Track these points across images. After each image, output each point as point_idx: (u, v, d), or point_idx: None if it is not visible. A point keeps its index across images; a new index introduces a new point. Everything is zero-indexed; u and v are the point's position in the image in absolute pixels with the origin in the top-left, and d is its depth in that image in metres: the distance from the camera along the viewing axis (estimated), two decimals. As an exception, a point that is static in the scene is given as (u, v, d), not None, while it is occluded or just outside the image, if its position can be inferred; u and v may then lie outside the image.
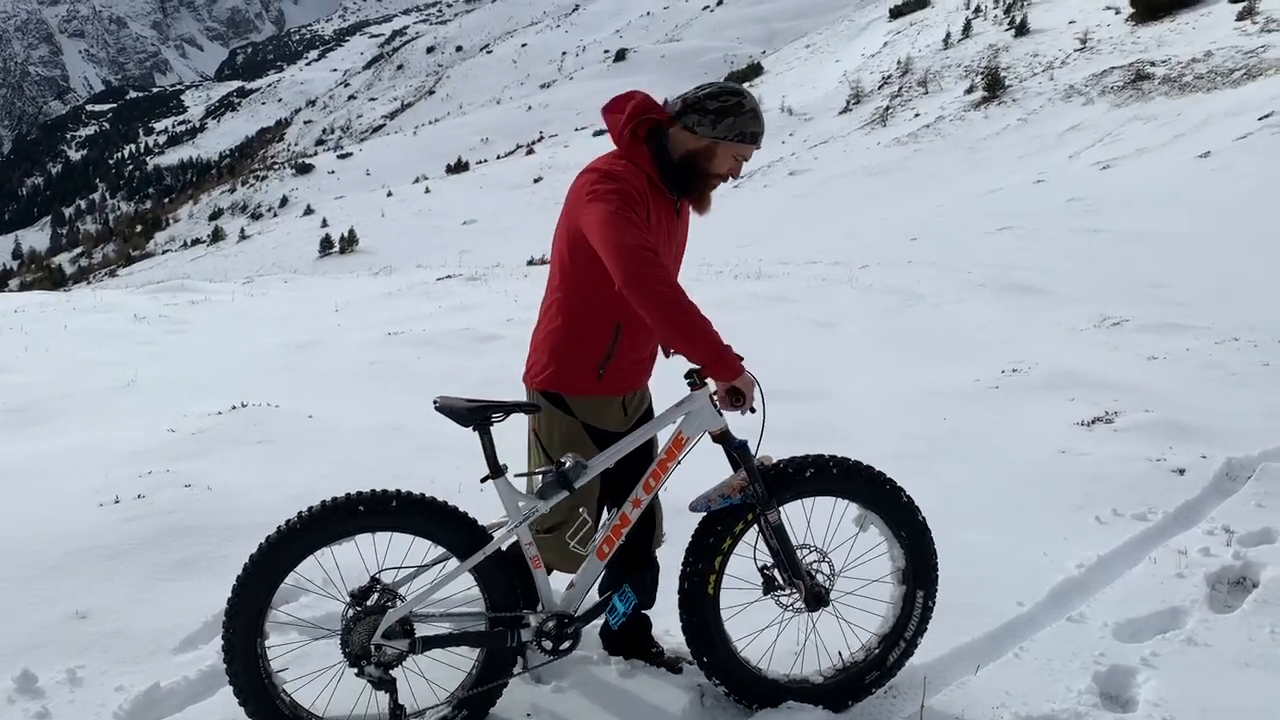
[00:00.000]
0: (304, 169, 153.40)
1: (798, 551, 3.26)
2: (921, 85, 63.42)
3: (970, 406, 7.22)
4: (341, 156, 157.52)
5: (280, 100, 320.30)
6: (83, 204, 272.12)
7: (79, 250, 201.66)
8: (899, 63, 71.03)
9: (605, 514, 3.35)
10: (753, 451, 3.21)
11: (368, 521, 2.93)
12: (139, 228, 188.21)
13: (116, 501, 4.55)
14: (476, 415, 2.95)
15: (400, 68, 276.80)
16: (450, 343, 9.25)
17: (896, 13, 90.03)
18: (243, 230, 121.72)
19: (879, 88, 69.04)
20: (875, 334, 10.17)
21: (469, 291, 13.60)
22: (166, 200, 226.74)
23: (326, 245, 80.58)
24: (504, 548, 3.07)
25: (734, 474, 3.22)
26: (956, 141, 46.63)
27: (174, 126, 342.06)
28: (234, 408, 6.36)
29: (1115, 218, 18.90)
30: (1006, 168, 36.29)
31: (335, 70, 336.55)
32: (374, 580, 3.02)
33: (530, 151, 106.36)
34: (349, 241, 78.46)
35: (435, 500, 3.01)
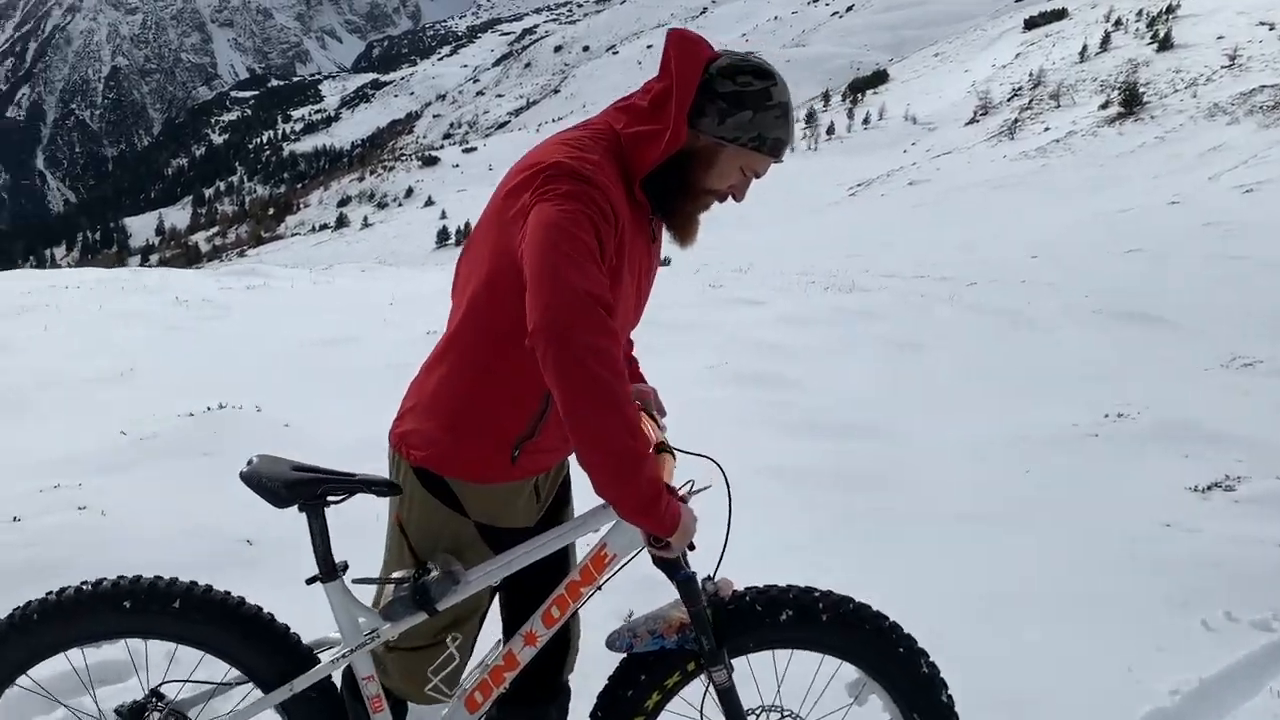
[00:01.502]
0: (430, 161, 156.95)
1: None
2: (1053, 99, 60.52)
3: (1061, 457, 6.09)
4: (466, 151, 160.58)
5: (412, 93, 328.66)
6: (222, 185, 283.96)
7: (215, 229, 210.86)
8: (1031, 74, 68.09)
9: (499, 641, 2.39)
10: (709, 577, 2.22)
11: (135, 624, 2.09)
12: (271, 211, 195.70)
13: (-12, 523, 3.88)
14: (300, 493, 2.04)
15: (528, 66, 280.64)
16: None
17: (1031, 24, 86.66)
18: (366, 218, 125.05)
19: (1008, 99, 66.29)
20: (965, 361, 9.03)
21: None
22: (299, 186, 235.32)
23: (443, 237, 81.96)
24: (335, 679, 2.21)
25: (675, 602, 2.20)
26: (1088, 158, 44.09)
27: (310, 115, 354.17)
28: (209, 409, 5.70)
29: (1258, 244, 17.06)
30: (1140, 187, 33.96)
31: (465, 66, 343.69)
32: (153, 695, 2.19)
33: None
34: (464, 234, 79.53)
35: (239, 607, 2.13)
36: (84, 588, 2.07)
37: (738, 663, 2.24)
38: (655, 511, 1.84)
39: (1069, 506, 5.17)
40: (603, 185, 1.92)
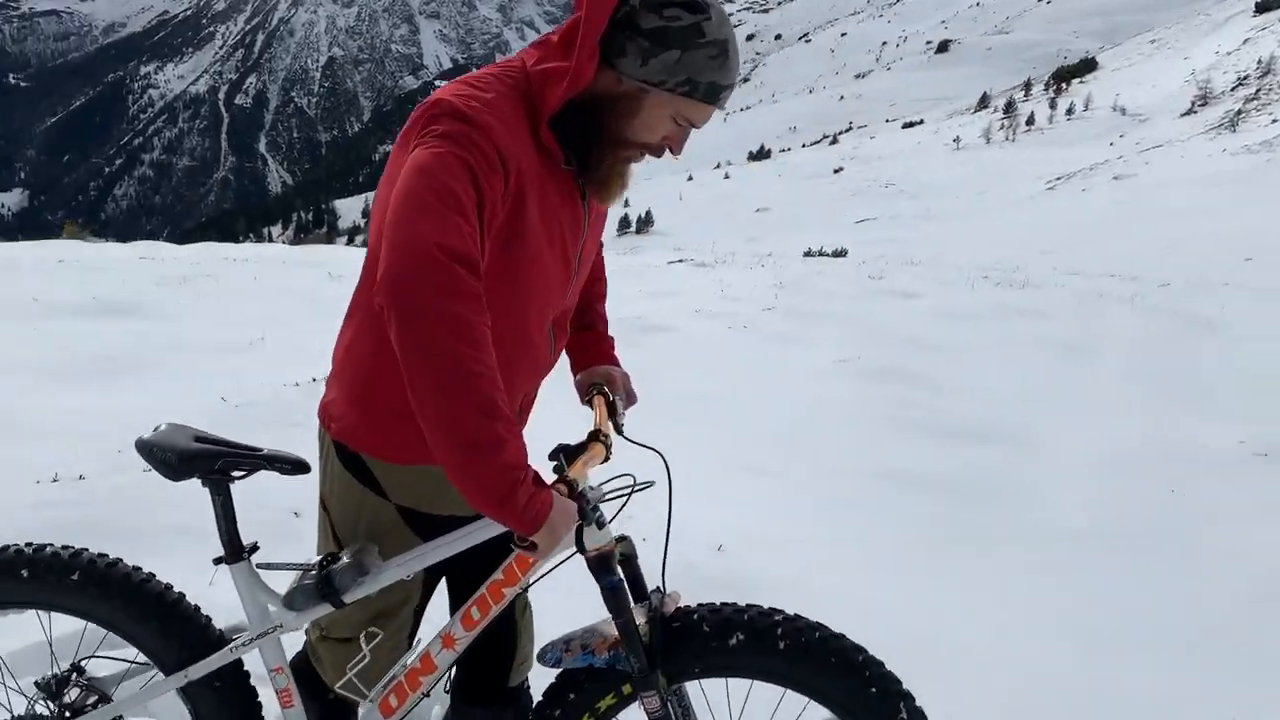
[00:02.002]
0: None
1: None
2: (1285, 87, 55.54)
3: (1216, 479, 5.39)
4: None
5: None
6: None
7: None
8: (1260, 62, 62.71)
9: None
10: (657, 588, 1.91)
11: (33, 594, 1.95)
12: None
13: (54, 480, 3.96)
14: (196, 466, 1.85)
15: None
16: (613, 331, 8.30)
17: (1264, 6, 79.69)
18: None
19: (1232, 89, 61.31)
20: (1128, 367, 8.23)
21: (686, 277, 12.66)
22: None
23: (624, 224, 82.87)
24: (244, 664, 2.03)
25: (609, 617, 1.88)
26: (1320, 152, 40.22)
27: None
28: (314, 380, 5.76)
29: None
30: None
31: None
32: (74, 669, 2.08)
33: (834, 142, 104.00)
34: (645, 222, 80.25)
35: (143, 583, 1.97)
36: None
37: (693, 689, 1.95)
38: (511, 505, 1.54)
39: (1208, 534, 4.53)
40: (486, 125, 1.64)
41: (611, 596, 1.80)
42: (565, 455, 1.82)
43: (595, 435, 1.89)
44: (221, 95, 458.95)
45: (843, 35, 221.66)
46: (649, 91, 1.72)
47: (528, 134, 1.72)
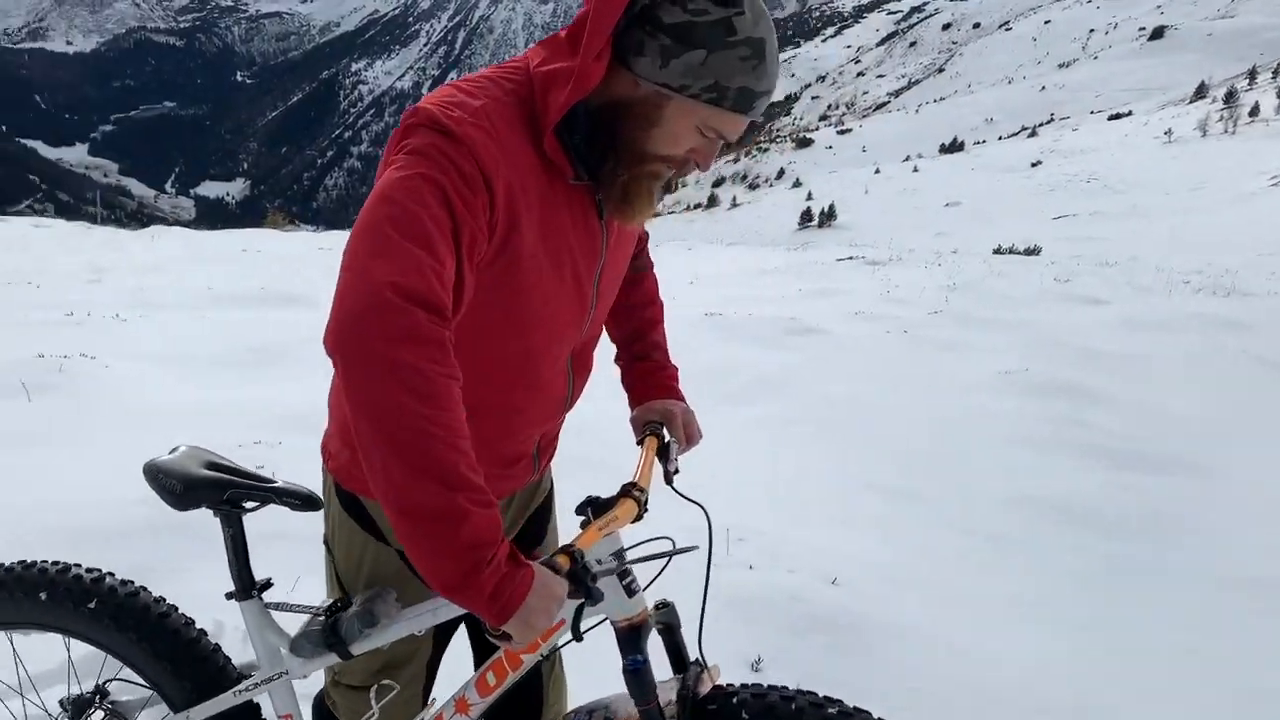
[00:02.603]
0: (803, 143, 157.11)
1: None
2: None
3: None
4: (841, 132, 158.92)
5: (793, 75, 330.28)
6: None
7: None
8: None
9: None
10: (697, 660, 1.65)
11: (49, 618, 1.86)
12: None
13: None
14: (202, 496, 1.72)
15: (913, 45, 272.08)
16: (759, 332, 8.02)
17: None
18: (735, 198, 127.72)
19: None
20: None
21: (852, 276, 12.16)
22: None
23: (806, 218, 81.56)
24: (259, 707, 1.89)
25: (630, 691, 1.60)
26: None
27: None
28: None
29: None
30: None
31: (849, 47, 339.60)
32: (98, 691, 2.00)
33: (1033, 134, 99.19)
34: (827, 216, 78.59)
35: (162, 618, 1.86)
36: (13, 568, 1.90)
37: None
38: (473, 590, 1.29)
39: None
40: (467, 139, 1.40)
41: (633, 679, 1.56)
42: (593, 510, 1.60)
43: (628, 490, 1.64)
44: (424, 90, 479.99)
45: (1046, 23, 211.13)
46: (670, 98, 1.46)
47: (528, 145, 1.49)
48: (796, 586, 3.58)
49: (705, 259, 14.72)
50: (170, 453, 1.81)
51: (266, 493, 1.76)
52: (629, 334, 2.08)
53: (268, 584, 1.83)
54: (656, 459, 1.89)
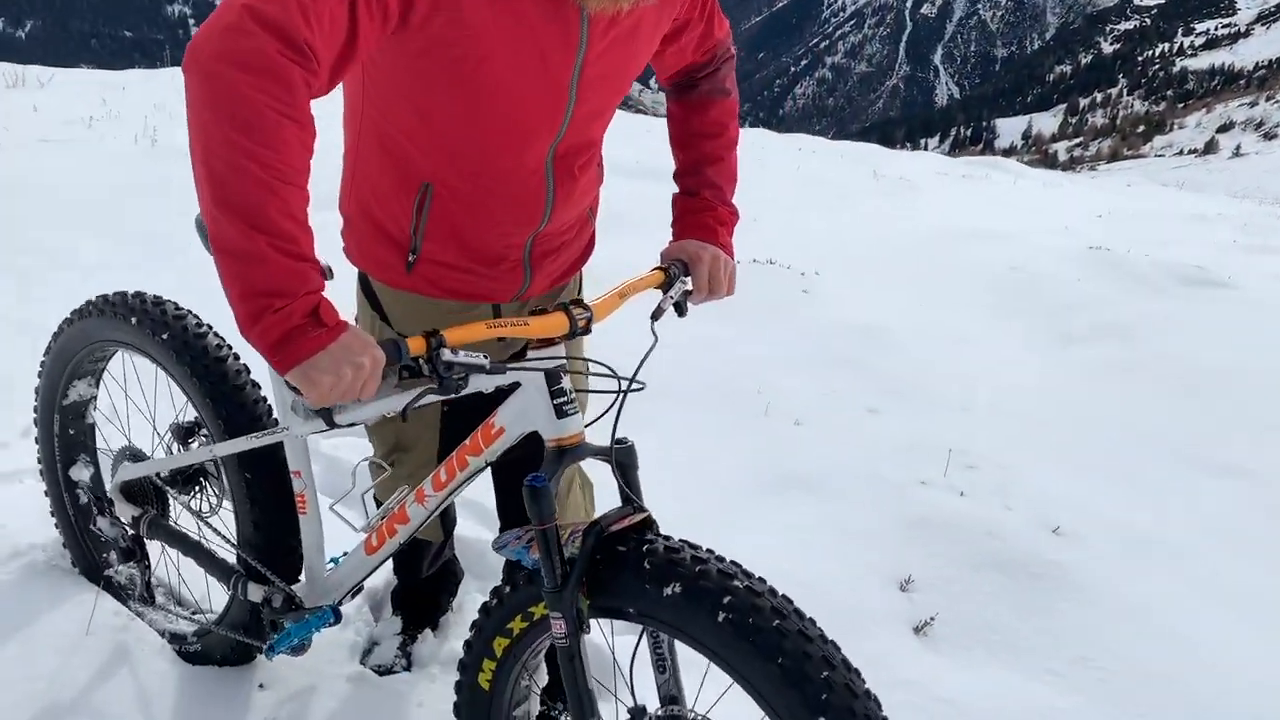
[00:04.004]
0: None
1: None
2: None
3: None
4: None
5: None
6: (1099, 97, 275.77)
7: (1078, 140, 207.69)
8: None
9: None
10: (638, 506, 1.58)
11: (130, 337, 2.11)
12: (1140, 128, 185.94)
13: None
14: None
15: None
16: (1146, 274, 7.04)
17: None
18: (1238, 148, 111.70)
19: None
20: None
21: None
22: (1181, 105, 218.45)
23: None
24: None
25: (526, 507, 1.56)
26: None
27: (1216, 29, 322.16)
28: (771, 262, 5.71)
29: None
30: None
31: None
32: (197, 424, 2.20)
33: None
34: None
35: (218, 358, 2.04)
36: (119, 296, 2.13)
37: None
38: (259, 332, 1.28)
39: None
40: None
41: (529, 495, 1.52)
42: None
43: (563, 305, 1.56)
44: (909, 4, 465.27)
45: None
46: None
47: None
48: (1000, 523, 3.22)
49: (1142, 196, 13.14)
50: None
51: None
52: (686, 165, 1.94)
53: None
54: (662, 292, 1.77)
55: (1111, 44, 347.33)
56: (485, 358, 1.44)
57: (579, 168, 1.74)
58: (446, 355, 1.38)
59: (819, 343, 4.95)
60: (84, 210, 5.36)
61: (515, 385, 1.60)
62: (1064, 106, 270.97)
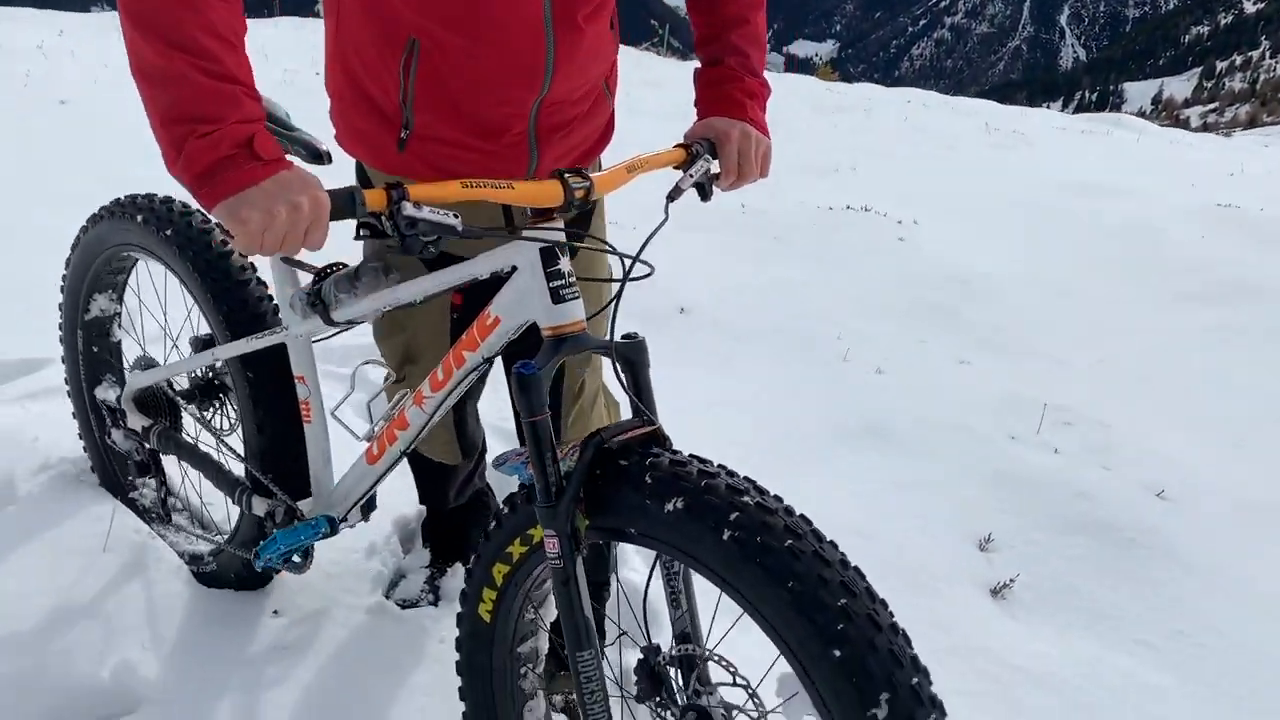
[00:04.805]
0: None
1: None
2: None
3: None
4: None
5: None
6: (1238, 60, 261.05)
7: (1212, 106, 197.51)
8: None
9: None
10: (649, 419, 1.39)
11: (137, 238, 2.01)
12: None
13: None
14: None
15: None
16: (1274, 232, 6.51)
17: None
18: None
19: None
20: None
21: None
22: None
23: None
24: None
25: (512, 397, 1.42)
26: None
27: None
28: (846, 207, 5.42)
29: None
30: None
31: None
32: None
33: None
34: None
35: (221, 254, 1.91)
36: (129, 199, 2.04)
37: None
38: (183, 161, 1.16)
39: None
40: None
41: (518, 385, 1.33)
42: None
43: (559, 172, 1.36)
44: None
45: None
46: None
47: None
48: (1096, 484, 2.93)
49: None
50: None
51: (283, 137, 1.69)
52: (706, 30, 1.69)
53: None
54: (681, 171, 1.55)
55: (1255, 4, 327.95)
56: (456, 216, 1.25)
57: (584, 18, 1.51)
58: (409, 210, 1.20)
59: (911, 291, 4.66)
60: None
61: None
62: (1199, 70, 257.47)
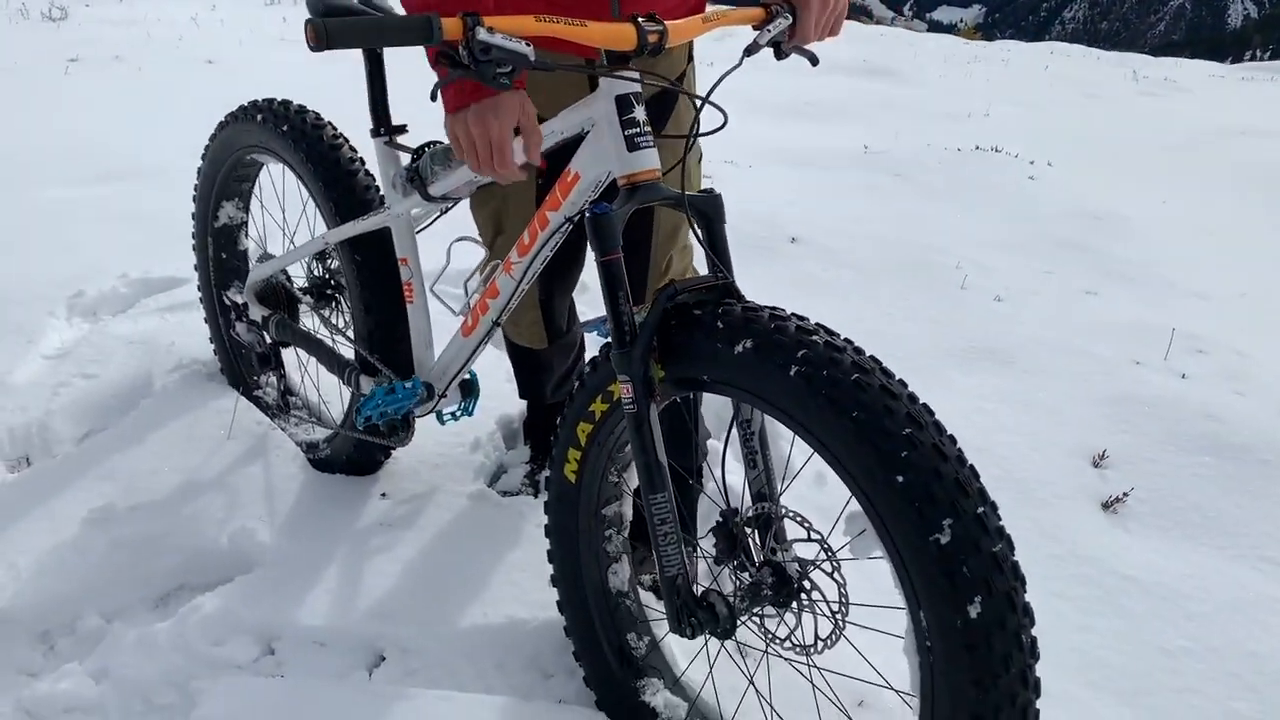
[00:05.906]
0: None
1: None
2: None
3: None
4: None
5: None
6: None
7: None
8: None
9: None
10: (720, 269, 1.42)
11: (259, 138, 2.16)
12: None
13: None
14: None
15: None
16: None
17: None
18: None
19: None
20: None
21: None
22: None
23: None
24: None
25: (590, 238, 1.44)
26: None
27: None
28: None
29: None
30: None
31: None
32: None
33: None
34: None
35: (333, 146, 2.05)
36: (251, 104, 2.17)
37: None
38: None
39: None
40: None
41: (592, 228, 1.37)
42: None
43: (633, 16, 1.36)
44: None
45: None
46: None
47: None
48: (1226, 406, 2.79)
49: None
50: None
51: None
52: None
53: (402, 128, 1.90)
54: (754, 31, 1.53)
55: None
56: (529, 45, 1.27)
57: None
58: (483, 35, 1.23)
59: (1038, 226, 4.50)
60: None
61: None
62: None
